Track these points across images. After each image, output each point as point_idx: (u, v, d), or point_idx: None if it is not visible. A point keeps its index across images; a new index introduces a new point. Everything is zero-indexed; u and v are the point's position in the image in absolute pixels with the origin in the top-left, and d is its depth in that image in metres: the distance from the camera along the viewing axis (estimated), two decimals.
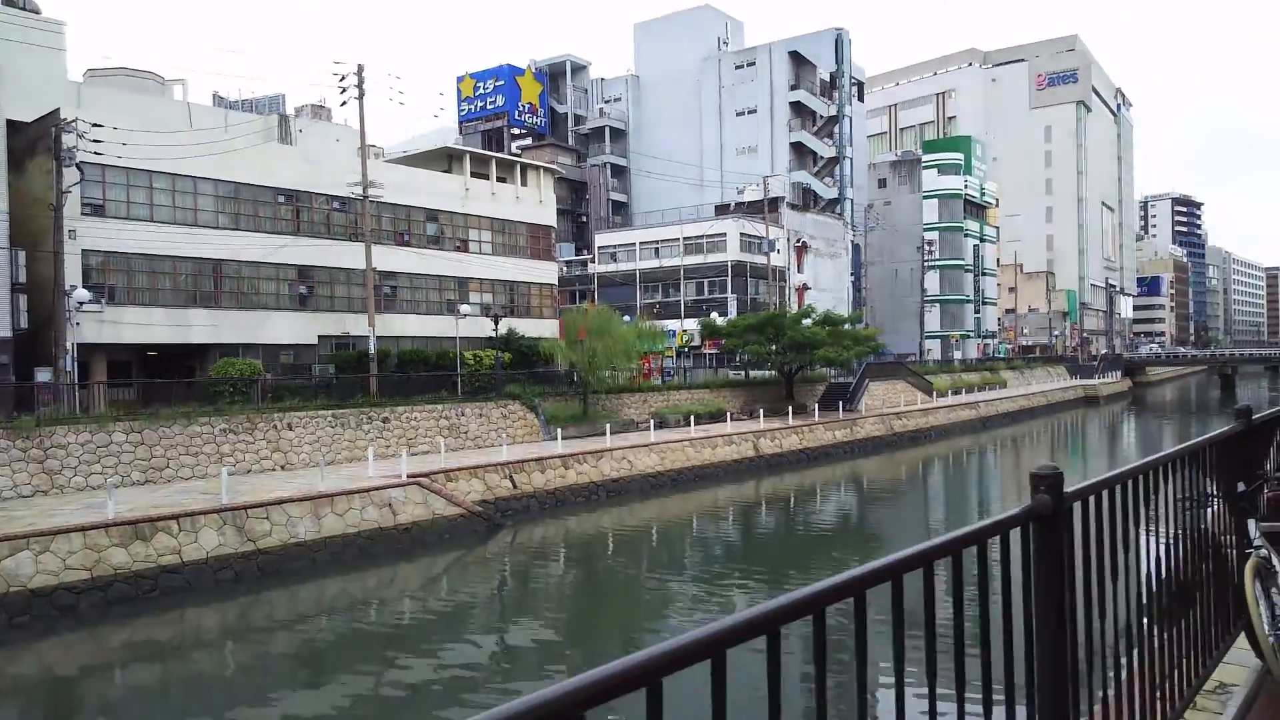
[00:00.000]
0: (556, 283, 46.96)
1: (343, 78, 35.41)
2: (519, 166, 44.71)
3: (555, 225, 46.99)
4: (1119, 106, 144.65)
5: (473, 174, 42.51)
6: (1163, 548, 3.67)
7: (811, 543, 25.49)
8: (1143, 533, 3.40)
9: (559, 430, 31.62)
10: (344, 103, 36.48)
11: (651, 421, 35.55)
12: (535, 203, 44.20)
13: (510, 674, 14.63)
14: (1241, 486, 4.56)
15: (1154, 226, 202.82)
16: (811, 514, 30.13)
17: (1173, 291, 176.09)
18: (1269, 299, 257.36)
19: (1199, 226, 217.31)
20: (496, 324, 33.81)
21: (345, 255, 36.76)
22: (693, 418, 36.93)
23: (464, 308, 36.46)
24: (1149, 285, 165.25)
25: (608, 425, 32.48)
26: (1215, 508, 4.44)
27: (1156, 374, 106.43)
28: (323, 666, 15.22)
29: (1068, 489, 2.67)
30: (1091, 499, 2.92)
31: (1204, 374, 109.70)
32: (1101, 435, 55.70)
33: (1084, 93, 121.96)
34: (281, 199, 36.45)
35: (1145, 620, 3.43)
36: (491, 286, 42.19)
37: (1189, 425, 56.90)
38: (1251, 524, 4.49)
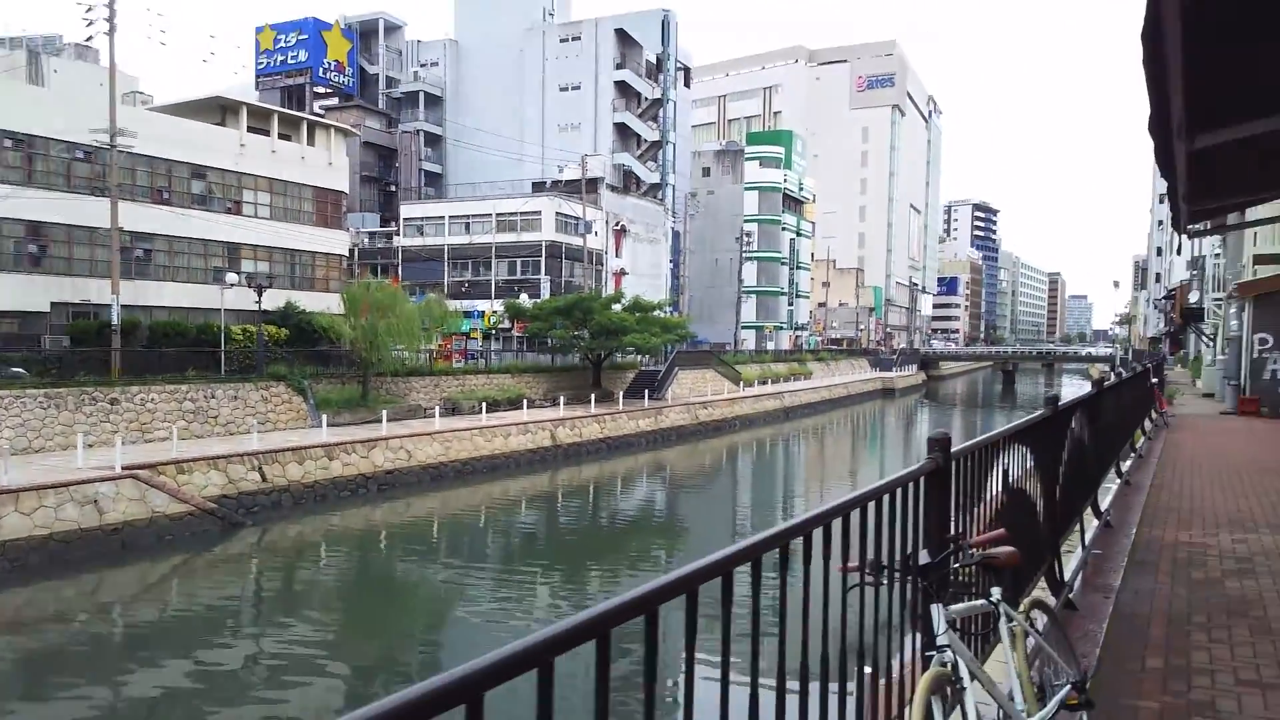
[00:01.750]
0: (347, 253, 43.36)
1: (89, 9, 30.79)
2: (306, 124, 40.68)
3: (346, 191, 43.26)
4: (930, 113, 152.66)
5: (251, 129, 38.27)
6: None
7: (600, 538, 24.06)
8: None
9: (329, 416, 28.69)
10: (90, 38, 31.56)
11: (438, 408, 33.05)
12: (324, 165, 40.33)
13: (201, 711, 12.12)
14: (926, 557, 3.04)
15: (955, 230, 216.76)
16: (604, 508, 28.73)
17: (968, 291, 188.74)
18: (1049, 301, 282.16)
19: (994, 232, 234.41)
20: (260, 294, 30.28)
21: (90, 211, 32.02)
22: (484, 405, 34.69)
23: (230, 276, 32.61)
24: (948, 285, 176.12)
25: (384, 412, 29.76)
26: (898, 586, 2.96)
27: (949, 368, 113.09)
28: None
29: None
30: None
31: (991, 369, 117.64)
32: (890, 428, 57.61)
33: (899, 97, 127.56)
34: (9, 144, 31.36)
35: None
36: (269, 254, 38.16)
37: (974, 418, 59.93)
38: (936, 612, 2.91)
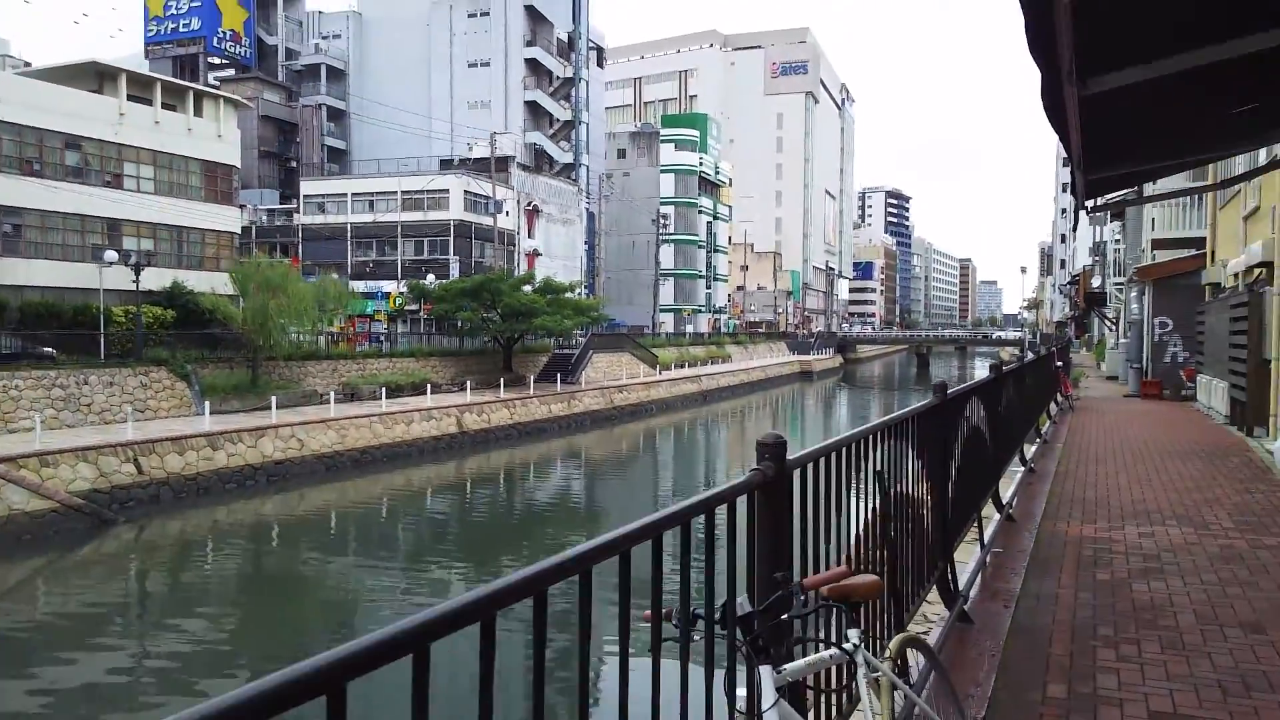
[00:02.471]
0: (239, 231, 41.11)
1: None
2: (193, 94, 38.24)
3: (238, 164, 40.91)
4: (844, 101, 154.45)
5: (133, 98, 35.76)
6: None
7: (507, 531, 23.16)
8: None
9: (216, 403, 27.02)
10: None
11: (334, 394, 31.52)
12: (213, 137, 37.99)
13: None
14: (746, 606, 2.23)
15: (870, 216, 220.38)
16: (514, 498, 27.81)
17: (883, 276, 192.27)
18: (961, 286, 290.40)
19: (907, 219, 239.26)
20: (138, 273, 28.32)
21: None
22: (384, 390, 33.28)
23: (109, 254, 30.39)
24: (863, 270, 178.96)
25: (274, 398, 28.18)
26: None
27: (866, 351, 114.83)
28: None
29: None
30: None
31: (906, 352, 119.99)
32: (809, 411, 57.93)
33: (813, 84, 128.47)
34: None
35: None
36: (153, 231, 35.81)
37: (891, 400, 60.71)
38: (765, 675, 2.19)
